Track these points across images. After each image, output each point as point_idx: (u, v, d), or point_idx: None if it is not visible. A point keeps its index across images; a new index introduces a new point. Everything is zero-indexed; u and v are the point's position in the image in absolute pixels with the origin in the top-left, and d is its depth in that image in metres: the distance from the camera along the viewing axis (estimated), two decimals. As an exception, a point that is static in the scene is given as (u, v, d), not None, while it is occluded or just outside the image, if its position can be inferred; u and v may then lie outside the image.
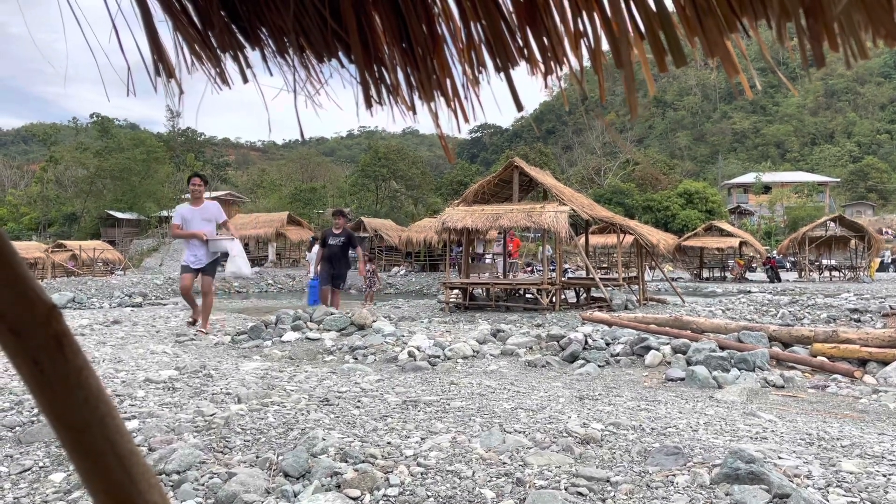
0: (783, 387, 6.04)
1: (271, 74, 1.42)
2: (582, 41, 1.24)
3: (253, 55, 1.42)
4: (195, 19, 1.35)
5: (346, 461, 2.87)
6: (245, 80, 1.40)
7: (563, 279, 16.10)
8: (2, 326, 0.58)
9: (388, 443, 3.19)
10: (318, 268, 12.10)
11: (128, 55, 1.25)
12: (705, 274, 34.36)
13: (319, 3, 1.26)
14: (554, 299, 14.94)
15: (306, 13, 1.29)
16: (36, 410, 3.67)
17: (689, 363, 6.70)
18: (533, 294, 16.38)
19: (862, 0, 1.02)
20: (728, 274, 33.15)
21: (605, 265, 32.58)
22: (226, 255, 8.77)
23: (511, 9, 1.25)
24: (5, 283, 0.58)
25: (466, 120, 1.40)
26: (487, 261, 22.53)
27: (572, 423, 3.64)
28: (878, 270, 32.55)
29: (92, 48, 1.16)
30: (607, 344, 7.74)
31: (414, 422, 3.66)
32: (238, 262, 8.54)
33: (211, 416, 3.58)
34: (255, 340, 8.52)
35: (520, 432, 3.47)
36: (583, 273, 24.86)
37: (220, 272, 10.04)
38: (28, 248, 37.12)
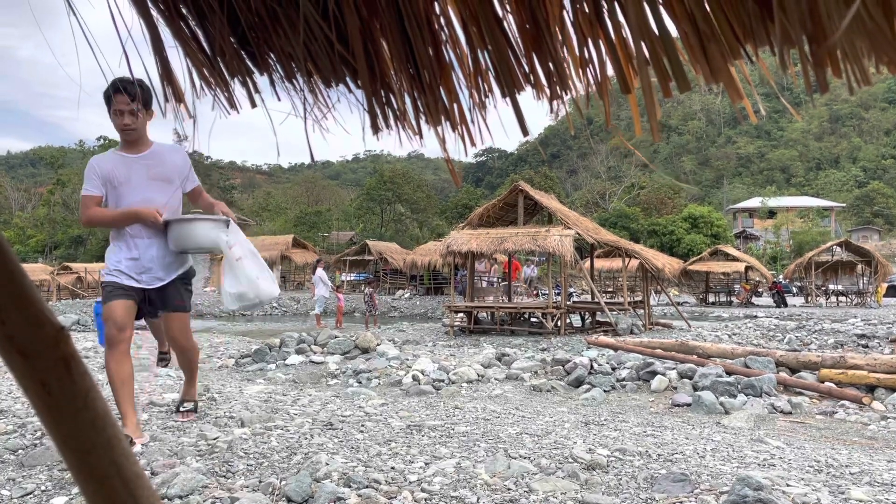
0: (791, 413, 5.98)
1: (279, 99, 1.44)
2: (587, 67, 1.25)
3: (261, 80, 1.44)
4: (205, 45, 1.37)
5: (350, 486, 2.84)
6: (253, 105, 1.42)
7: (567, 303, 16.05)
8: (11, 348, 0.58)
9: (392, 468, 3.17)
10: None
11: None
12: (711, 298, 34.23)
13: (328, 29, 1.28)
14: (559, 323, 14.89)
15: (314, 39, 1.31)
16: (39, 434, 3.66)
17: (695, 388, 6.65)
18: (538, 318, 16.34)
19: (864, 27, 1.03)
20: (734, 299, 33.02)
21: (610, 289, 32.52)
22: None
23: (517, 35, 1.26)
24: (15, 306, 0.59)
25: (473, 144, 1.41)
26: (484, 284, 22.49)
27: (578, 449, 3.61)
28: (885, 295, 32.39)
29: (104, 73, 1.18)
30: (613, 369, 7.70)
31: (418, 446, 3.64)
32: (250, 272, 3.74)
33: (214, 439, 3.56)
34: (258, 364, 8.50)
35: (525, 458, 3.44)
36: (587, 297, 24.78)
37: (199, 292, 4.42)
38: (34, 271, 37.28)
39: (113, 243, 3.79)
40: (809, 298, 31.64)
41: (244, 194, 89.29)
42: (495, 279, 23.29)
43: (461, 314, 16.50)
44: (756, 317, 20.77)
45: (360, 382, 7.30)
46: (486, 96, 1.35)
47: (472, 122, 1.39)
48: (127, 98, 3.62)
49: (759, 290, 35.35)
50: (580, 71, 1.26)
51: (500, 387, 7.17)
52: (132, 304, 3.66)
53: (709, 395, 6.11)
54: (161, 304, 3.79)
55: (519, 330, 15.79)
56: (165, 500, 2.71)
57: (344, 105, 1.43)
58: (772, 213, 67.50)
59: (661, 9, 1.09)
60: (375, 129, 1.40)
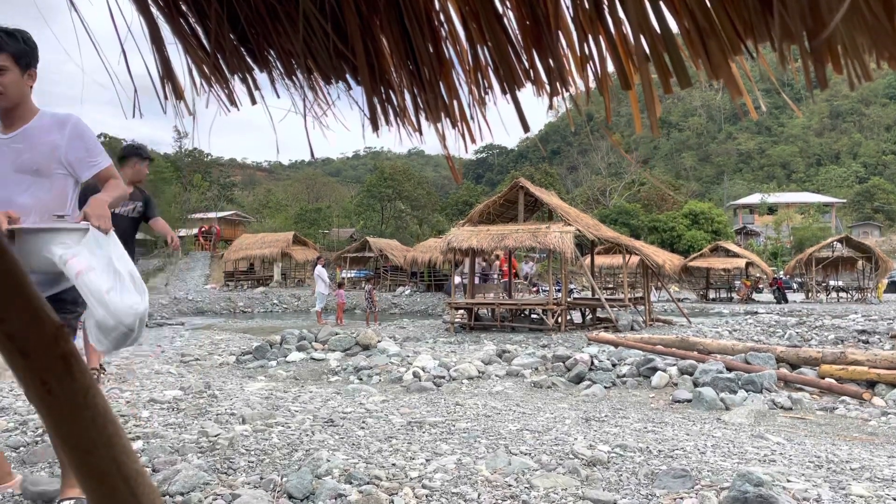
0: (791, 409, 5.98)
1: (278, 96, 1.44)
2: (588, 63, 1.25)
3: (261, 77, 1.44)
4: (205, 42, 1.37)
5: (351, 483, 2.85)
6: (253, 102, 1.42)
7: (568, 299, 16.05)
8: (11, 347, 0.58)
9: (393, 464, 3.17)
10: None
11: (138, 77, 1.26)
12: (711, 295, 34.24)
13: (327, 25, 1.28)
14: (559, 320, 14.89)
15: (314, 36, 1.30)
16: (40, 431, 3.67)
17: (695, 384, 6.65)
18: (538, 314, 16.34)
19: (865, 22, 1.02)
20: (734, 295, 33.02)
21: (610, 286, 32.52)
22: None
23: (517, 31, 1.26)
24: (14, 305, 0.59)
25: (473, 141, 1.41)
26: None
27: (578, 445, 3.61)
28: (886, 291, 32.40)
29: (109, 69, 1.17)
30: (613, 365, 7.70)
31: (419, 443, 3.64)
32: (96, 286, 2.26)
33: (215, 436, 3.57)
34: (259, 360, 8.51)
35: (525, 454, 3.45)
36: (588, 293, 24.79)
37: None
38: (35, 268, 37.20)
39: None
40: (810, 294, 31.65)
41: (244, 191, 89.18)
42: (496, 276, 23.31)
43: (462, 311, 16.50)
44: (756, 313, 20.77)
45: (360, 379, 7.30)
46: (486, 93, 1.35)
47: (472, 118, 1.39)
48: None
49: (760, 286, 35.36)
50: (580, 67, 1.26)
51: (500, 383, 7.18)
52: None
53: (709, 392, 6.11)
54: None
55: (519, 326, 15.79)
56: (167, 496, 2.71)
57: (344, 102, 1.43)
58: (772, 209, 67.45)
59: (662, 5, 1.09)
60: (375, 125, 1.40)
